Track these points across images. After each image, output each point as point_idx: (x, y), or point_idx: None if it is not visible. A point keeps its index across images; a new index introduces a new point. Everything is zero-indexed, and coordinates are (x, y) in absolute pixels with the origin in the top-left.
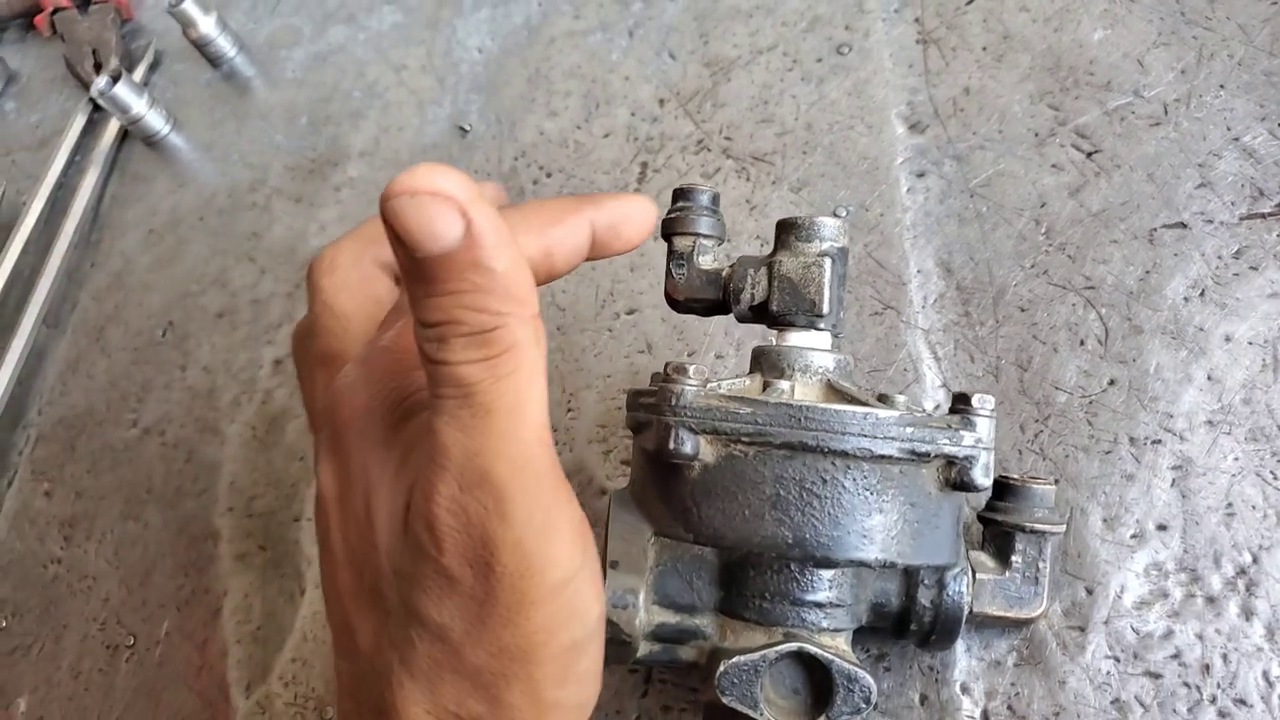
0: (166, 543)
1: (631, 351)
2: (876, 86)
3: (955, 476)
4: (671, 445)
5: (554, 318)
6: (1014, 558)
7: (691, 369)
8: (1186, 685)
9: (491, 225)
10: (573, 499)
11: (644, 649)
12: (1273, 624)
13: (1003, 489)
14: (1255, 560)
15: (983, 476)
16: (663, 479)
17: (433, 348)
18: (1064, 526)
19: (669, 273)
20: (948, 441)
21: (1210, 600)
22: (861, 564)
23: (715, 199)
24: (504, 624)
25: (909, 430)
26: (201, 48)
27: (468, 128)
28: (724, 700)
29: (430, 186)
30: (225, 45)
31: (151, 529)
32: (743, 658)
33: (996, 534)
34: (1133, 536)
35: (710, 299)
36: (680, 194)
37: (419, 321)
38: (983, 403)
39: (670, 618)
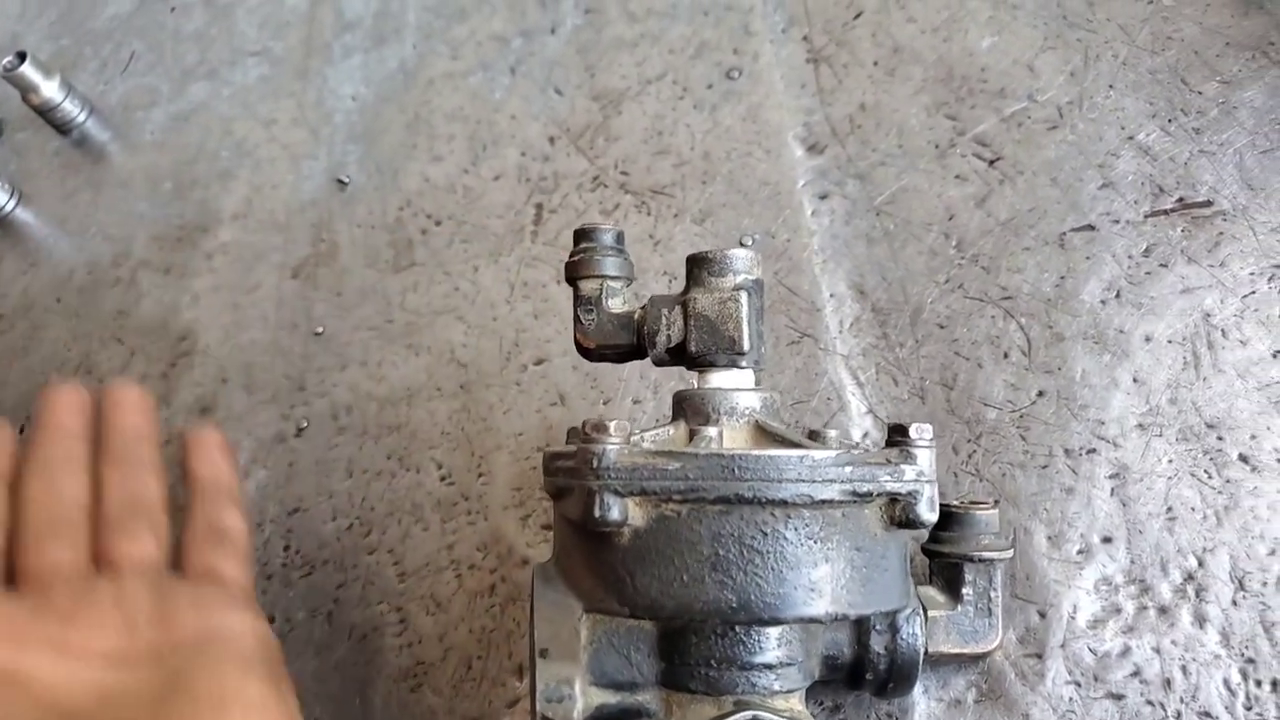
0: None
1: (543, 405)
2: (770, 109)
3: (900, 514)
4: (597, 513)
5: (456, 375)
6: (964, 590)
7: (613, 425)
8: (1150, 703)
9: None
10: None
11: None
12: (1226, 629)
13: (945, 518)
14: (1201, 564)
15: (928, 511)
16: (590, 549)
17: None
18: (1011, 550)
19: (577, 320)
20: (889, 478)
21: (1163, 610)
22: (812, 620)
23: (620, 238)
24: None
25: (848, 470)
26: (46, 114)
27: (347, 180)
28: None
29: None
30: (73, 109)
31: None
32: None
33: (944, 566)
34: (1079, 552)
35: (624, 344)
36: (581, 235)
37: None
38: (920, 433)
39: (610, 698)
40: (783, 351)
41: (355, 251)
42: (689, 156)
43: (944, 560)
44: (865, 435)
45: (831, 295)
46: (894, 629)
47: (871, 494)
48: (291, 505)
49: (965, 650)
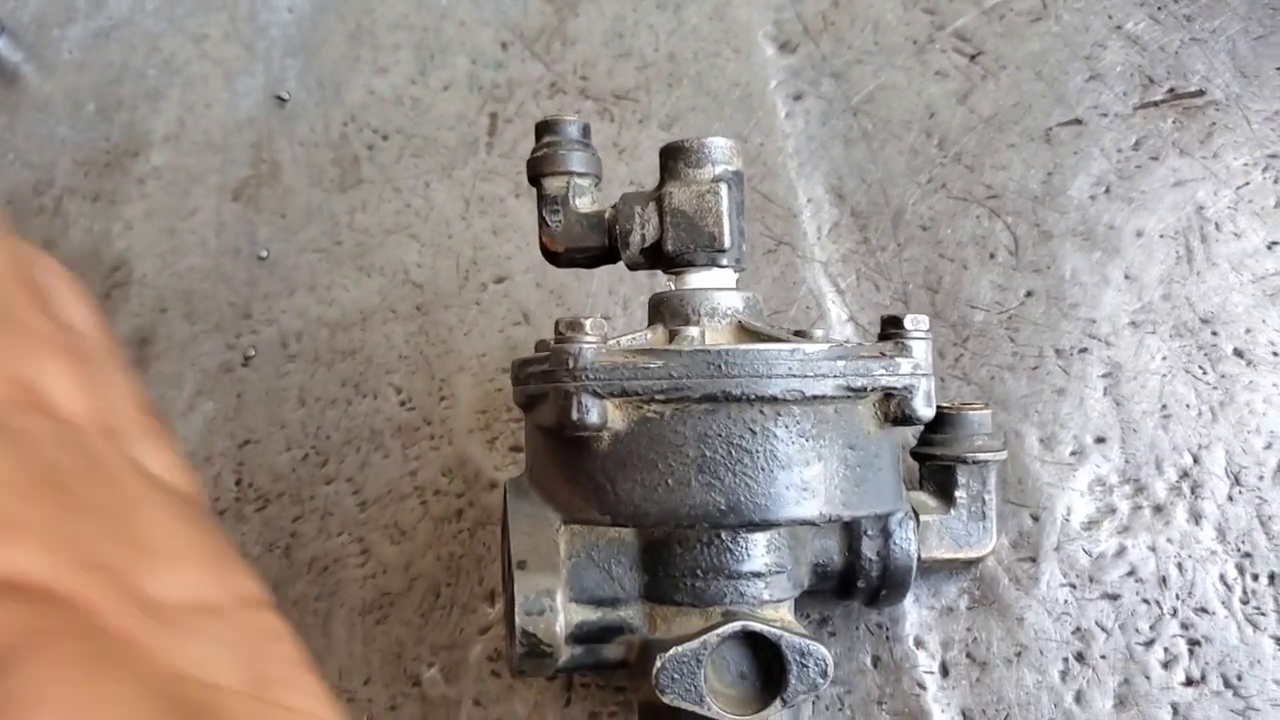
0: None
1: (506, 324)
2: (738, 7)
3: (895, 410)
4: (575, 415)
5: (411, 296)
6: (958, 493)
7: (588, 323)
8: (1146, 602)
9: None
10: None
11: (564, 654)
12: (1222, 525)
13: (936, 420)
14: (1196, 460)
15: (924, 406)
16: (567, 457)
17: None
18: (1005, 452)
19: (543, 222)
20: (884, 372)
21: (1158, 509)
22: (805, 522)
23: (586, 130)
24: None
25: (841, 364)
26: None
27: (286, 96)
28: (664, 699)
29: None
30: None
31: None
32: (681, 648)
33: (935, 469)
34: (1072, 454)
35: (594, 246)
36: (545, 128)
37: None
38: (916, 324)
39: (591, 614)
40: (759, 260)
41: (298, 171)
42: (653, 59)
43: (936, 463)
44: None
45: (809, 200)
46: (886, 534)
47: (866, 389)
48: (242, 437)
49: (959, 555)
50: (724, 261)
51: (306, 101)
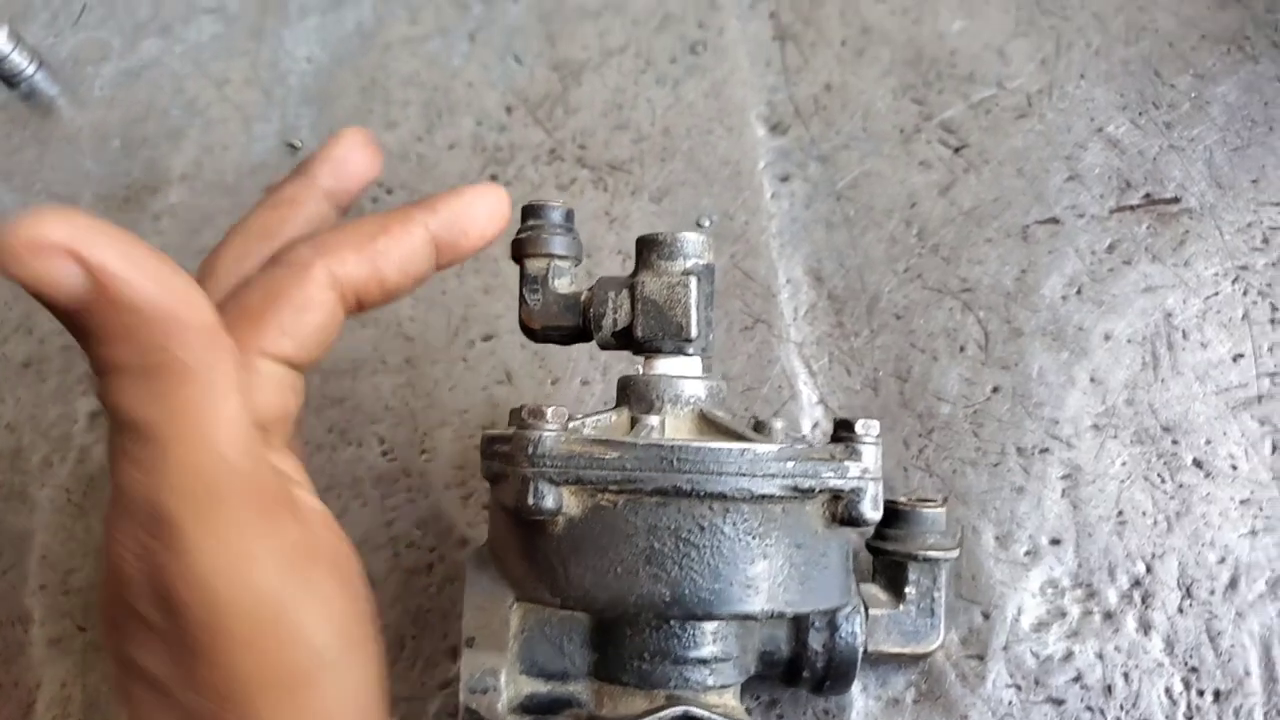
0: None
1: (490, 382)
2: (734, 86)
3: (842, 512)
4: (530, 501)
5: (402, 349)
6: (908, 589)
7: (550, 411)
8: (1089, 709)
9: (118, 256)
10: (288, 518)
11: None
12: (1171, 637)
13: (891, 515)
14: (1149, 570)
15: (871, 510)
16: (523, 536)
17: (100, 392)
18: (957, 551)
19: (522, 299)
20: (832, 475)
21: (1108, 616)
22: (747, 617)
23: (569, 216)
24: (206, 663)
25: (790, 465)
26: None
27: (298, 144)
28: None
29: (34, 238)
30: (21, 62)
31: None
32: None
33: (887, 564)
34: (1026, 553)
35: (569, 326)
36: (530, 211)
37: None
38: (867, 429)
39: (540, 687)
40: (736, 337)
41: None
42: (649, 132)
43: (888, 558)
44: (815, 425)
45: (788, 280)
46: (833, 627)
47: (814, 490)
48: None
49: (906, 650)
50: (690, 350)
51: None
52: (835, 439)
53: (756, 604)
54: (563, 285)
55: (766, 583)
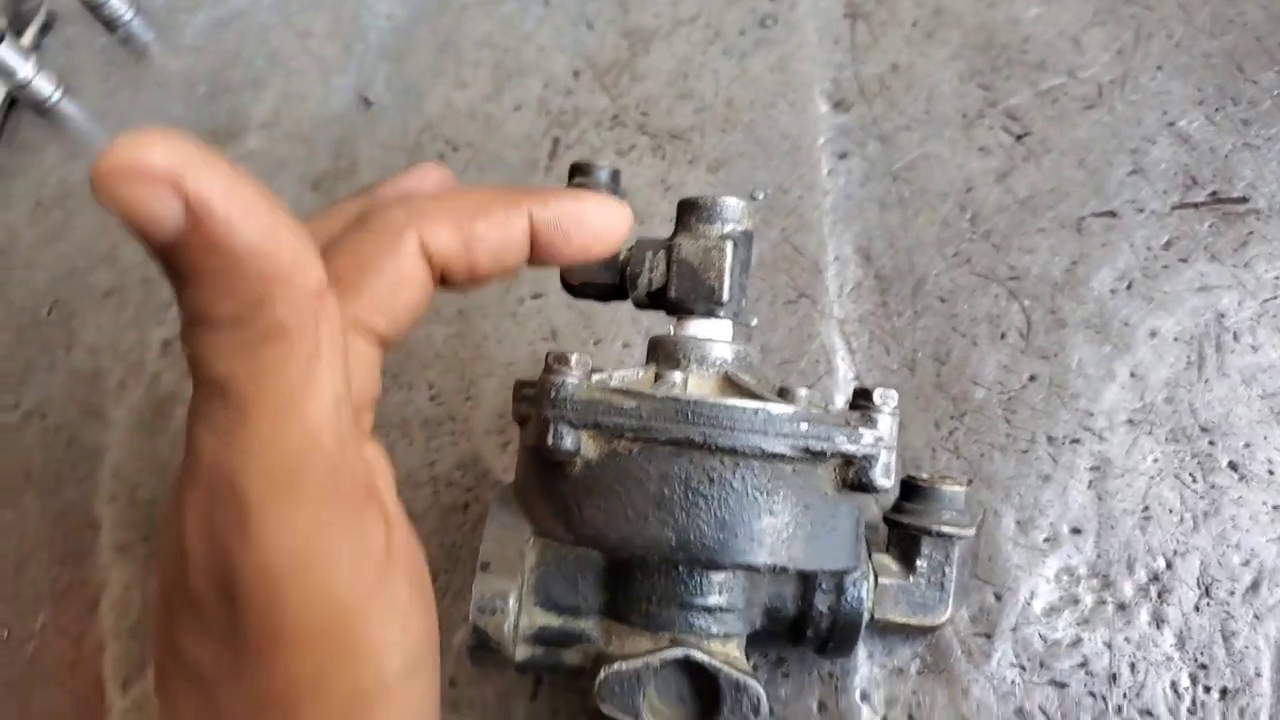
0: (44, 532)
1: (535, 339)
2: (801, 61)
3: (853, 477)
4: (550, 441)
5: (455, 301)
6: (919, 562)
7: (573, 358)
8: (1092, 695)
9: (224, 193)
10: (374, 517)
11: (526, 652)
12: (1184, 633)
13: (910, 490)
14: (1169, 566)
15: (882, 477)
16: (544, 476)
17: (184, 339)
18: (973, 530)
19: None
20: (845, 440)
21: (1121, 607)
22: (750, 568)
23: (615, 176)
24: (257, 665)
25: (803, 427)
26: (95, 10)
27: (373, 99)
28: (604, 708)
29: (132, 162)
30: (121, 7)
31: (29, 517)
32: (625, 664)
33: (902, 537)
34: (1046, 540)
35: (606, 283)
36: (577, 170)
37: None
38: (885, 399)
39: (553, 620)
40: (779, 310)
41: (373, 170)
42: (711, 102)
43: (903, 531)
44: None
45: (836, 257)
46: (840, 589)
47: (825, 453)
48: None
49: (912, 621)
50: (721, 313)
51: (390, 106)
52: (853, 406)
53: (759, 557)
54: None
55: (770, 538)
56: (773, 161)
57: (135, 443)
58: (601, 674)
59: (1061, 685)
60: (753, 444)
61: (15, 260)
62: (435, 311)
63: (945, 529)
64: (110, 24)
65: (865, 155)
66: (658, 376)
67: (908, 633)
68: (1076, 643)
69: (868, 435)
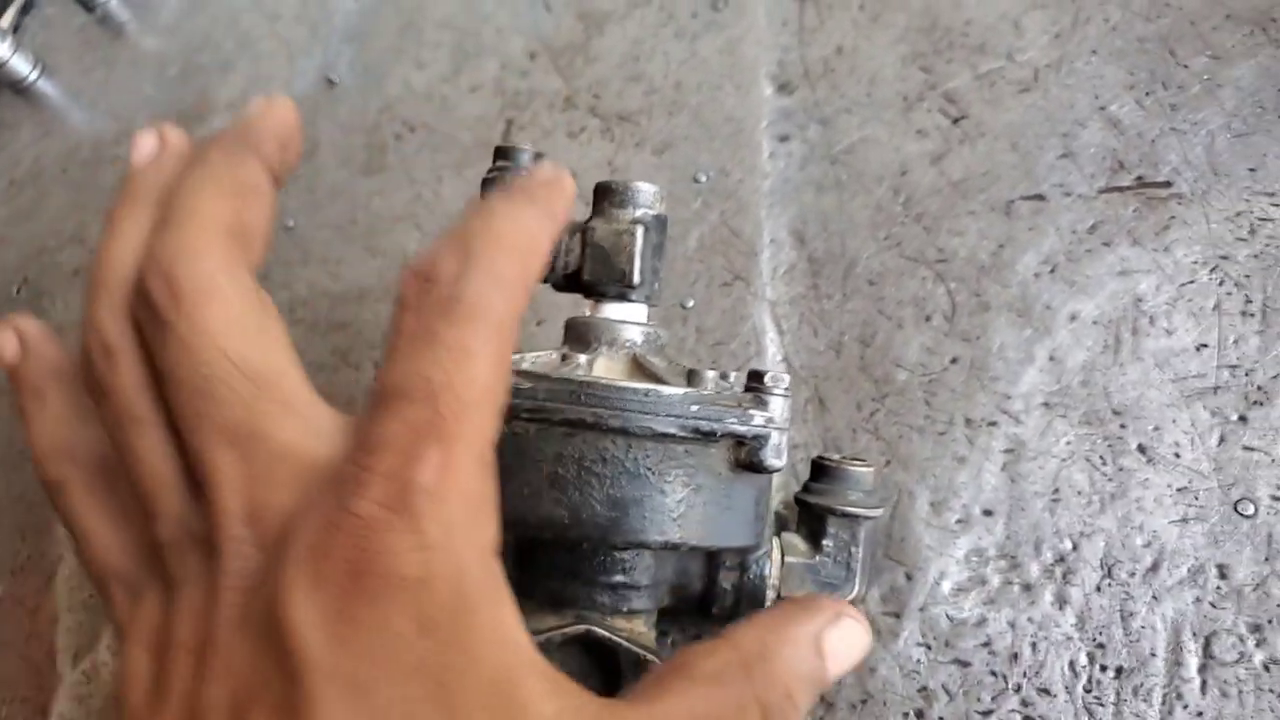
0: (6, 507)
1: None
2: (749, 44)
3: (745, 457)
4: None
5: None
6: (825, 541)
7: None
8: (993, 674)
9: None
10: None
11: None
12: (1084, 613)
13: (819, 470)
14: (1075, 547)
15: (773, 457)
16: None
17: None
18: (880, 511)
19: None
20: (735, 421)
21: (1026, 588)
22: (642, 545)
23: (538, 159)
24: None
25: (694, 409)
26: None
27: (336, 79)
28: None
29: None
30: None
31: None
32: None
33: (809, 516)
34: (958, 521)
35: None
36: (500, 153)
37: None
38: (776, 381)
39: None
40: (715, 292)
41: (333, 151)
42: (660, 85)
43: (810, 510)
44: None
45: (771, 240)
46: (743, 567)
47: (715, 434)
48: None
49: None
50: (633, 296)
51: (352, 87)
52: (747, 388)
53: (651, 534)
54: None
55: (663, 516)
56: (716, 144)
57: None
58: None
59: (965, 664)
60: (643, 424)
61: None
62: (386, 290)
63: (851, 509)
64: (88, 4)
65: (806, 138)
66: (564, 358)
67: None
68: (981, 622)
69: (758, 416)
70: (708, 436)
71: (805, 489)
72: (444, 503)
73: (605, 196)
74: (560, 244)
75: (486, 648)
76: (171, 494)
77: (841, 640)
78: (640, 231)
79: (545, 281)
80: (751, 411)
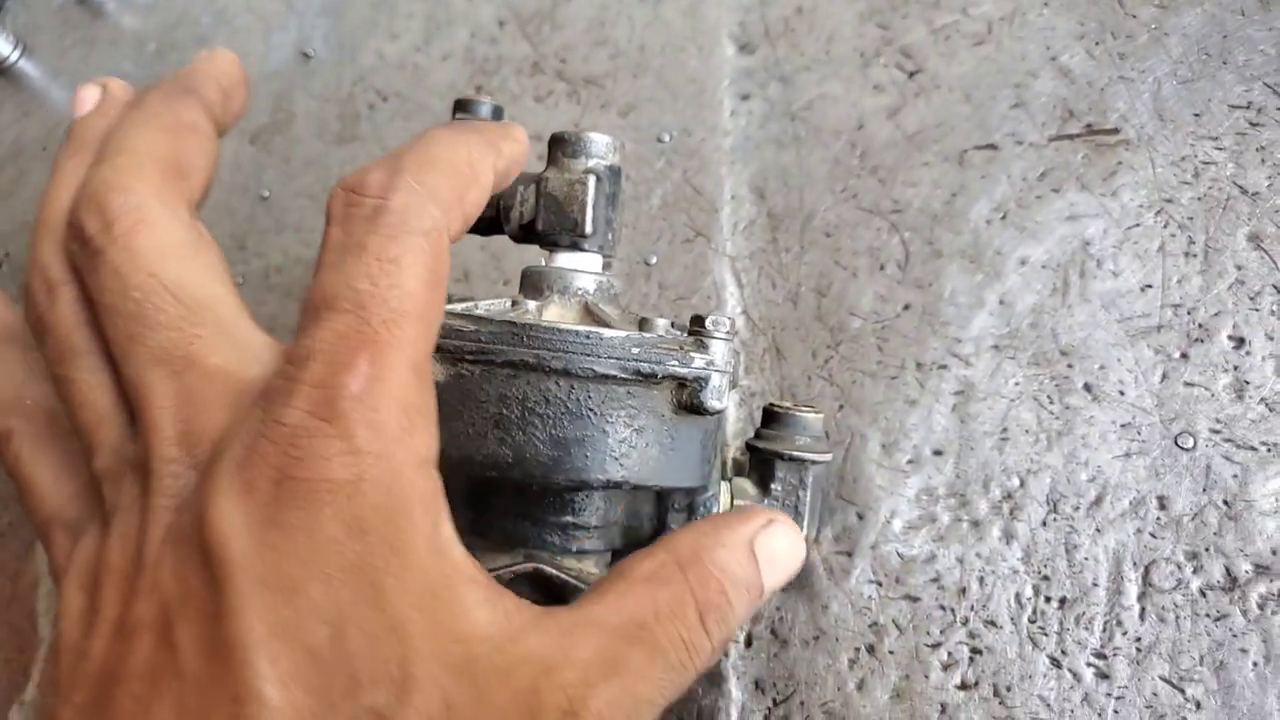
0: None
1: (449, 281)
2: (711, 6)
3: (686, 399)
4: None
5: None
6: (774, 485)
7: None
8: (942, 608)
9: None
10: None
11: None
12: (1030, 547)
13: (770, 416)
14: (1022, 484)
15: (711, 399)
16: None
17: None
18: (828, 456)
19: None
20: (676, 363)
21: (975, 524)
22: (585, 484)
23: (498, 112)
24: None
25: (634, 350)
26: None
27: (311, 53)
28: None
29: None
30: None
31: None
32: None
33: (759, 461)
34: (909, 462)
35: (485, 216)
36: (460, 105)
37: None
38: (716, 325)
39: None
40: (677, 249)
41: (308, 122)
42: (625, 48)
43: (759, 455)
44: (734, 334)
45: (732, 197)
46: (691, 509)
47: (656, 375)
48: None
49: None
50: (586, 246)
51: (327, 60)
52: (689, 332)
53: (594, 473)
54: None
55: (605, 455)
56: (679, 104)
57: None
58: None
59: (914, 599)
60: (585, 365)
61: None
62: None
63: (798, 453)
64: None
65: (766, 96)
66: (514, 304)
67: None
68: (931, 559)
69: (699, 359)
70: (649, 378)
71: (756, 435)
72: (375, 410)
73: (559, 146)
74: (516, 194)
75: (421, 553)
76: (109, 425)
77: (774, 543)
78: (592, 181)
79: (503, 232)
80: (692, 354)
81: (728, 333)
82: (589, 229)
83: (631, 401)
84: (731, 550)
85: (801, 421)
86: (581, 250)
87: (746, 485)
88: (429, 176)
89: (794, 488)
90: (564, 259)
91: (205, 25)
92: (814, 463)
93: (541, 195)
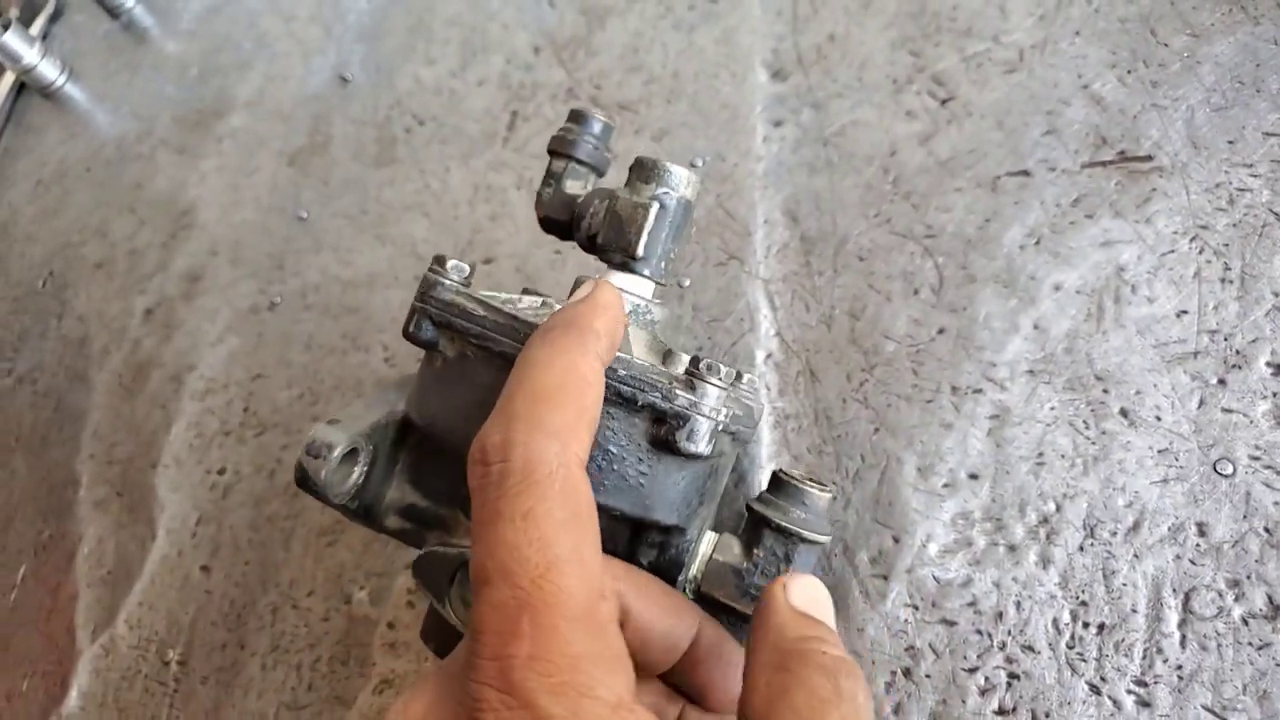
0: (30, 489)
1: None
2: (744, 34)
3: (662, 434)
4: (410, 328)
5: (413, 267)
6: (758, 551)
7: (450, 265)
8: (979, 632)
9: None
10: None
11: (396, 523)
12: (1067, 572)
13: (777, 482)
14: (1058, 509)
15: (686, 440)
16: (424, 366)
17: None
18: (825, 538)
19: (540, 188)
20: (657, 396)
21: (1011, 549)
22: None
23: (607, 130)
24: None
25: (620, 372)
26: None
27: (349, 77)
28: (417, 581)
29: None
30: None
31: (17, 476)
32: (440, 548)
33: (752, 524)
34: (944, 485)
35: (562, 221)
36: (574, 116)
37: None
38: (711, 369)
39: (421, 500)
40: (710, 271)
41: (346, 145)
42: (659, 74)
43: (754, 518)
44: (769, 356)
45: (766, 221)
46: (664, 549)
47: (636, 403)
48: (255, 371)
49: (735, 605)
50: (637, 269)
51: (364, 84)
52: (685, 372)
53: None
54: (573, 186)
55: None
56: (713, 130)
57: (113, 404)
58: (423, 550)
59: (951, 623)
60: None
61: (16, 235)
62: (394, 276)
63: (791, 527)
64: (114, 11)
65: (799, 122)
66: (544, 304)
67: (734, 616)
68: (967, 583)
69: (682, 398)
70: (629, 402)
71: (759, 497)
72: (548, 675)
73: (637, 171)
74: (590, 206)
75: None
76: None
77: None
78: (655, 208)
79: (572, 240)
80: (678, 391)
81: (723, 379)
82: (641, 252)
83: (610, 422)
84: None
85: (805, 495)
86: (632, 272)
87: (733, 543)
88: (539, 413)
89: (777, 560)
90: (616, 277)
91: (246, 50)
92: (805, 540)
93: (609, 212)
